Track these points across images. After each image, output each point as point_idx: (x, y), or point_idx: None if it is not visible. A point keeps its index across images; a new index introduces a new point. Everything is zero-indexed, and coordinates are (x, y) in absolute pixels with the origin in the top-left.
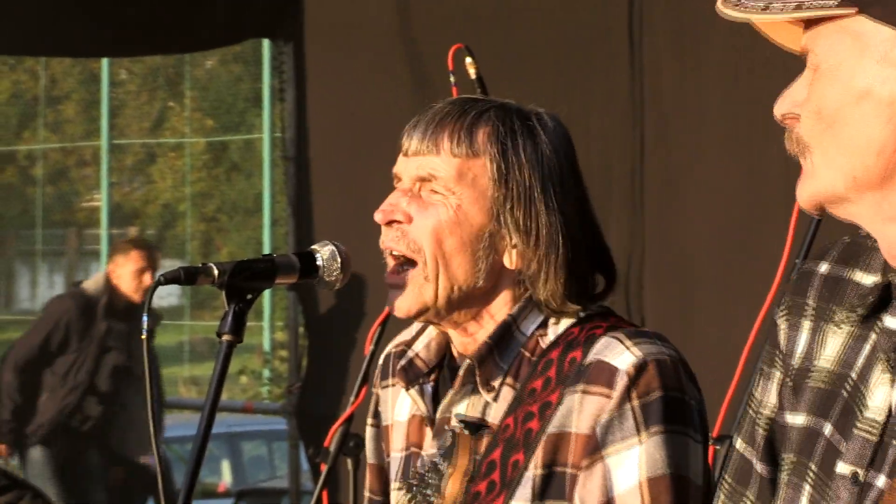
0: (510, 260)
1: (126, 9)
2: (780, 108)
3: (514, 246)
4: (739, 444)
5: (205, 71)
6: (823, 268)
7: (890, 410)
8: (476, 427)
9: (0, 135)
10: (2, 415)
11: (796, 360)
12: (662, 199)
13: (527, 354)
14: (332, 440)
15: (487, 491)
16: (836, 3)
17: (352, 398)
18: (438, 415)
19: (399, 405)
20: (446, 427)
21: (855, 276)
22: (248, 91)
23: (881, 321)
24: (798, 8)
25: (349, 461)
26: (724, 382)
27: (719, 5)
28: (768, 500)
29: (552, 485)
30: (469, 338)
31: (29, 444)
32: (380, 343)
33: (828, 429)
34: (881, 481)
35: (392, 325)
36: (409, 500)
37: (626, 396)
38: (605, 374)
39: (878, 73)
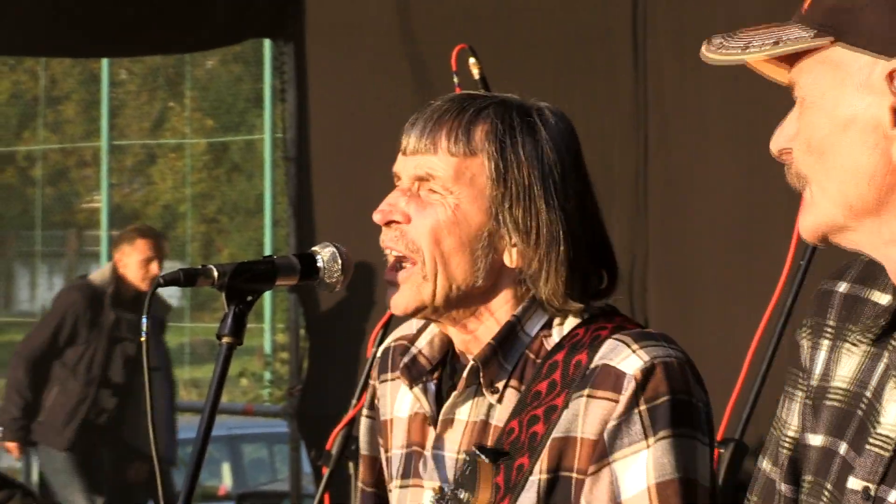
0: (510, 259)
1: (126, 9)
2: (775, 144)
3: (514, 245)
4: (765, 464)
5: (205, 71)
6: (842, 287)
7: None
8: (496, 455)
9: (0, 135)
10: (12, 412)
11: (815, 380)
12: (665, 199)
13: (531, 356)
14: (333, 443)
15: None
16: (811, 35)
17: (353, 400)
18: (441, 416)
19: (399, 400)
20: (465, 456)
21: (872, 295)
22: (248, 91)
23: (894, 340)
24: (776, 44)
25: (351, 464)
26: (728, 384)
27: (703, 52)
28: None
29: (557, 490)
30: (469, 335)
31: (42, 441)
32: (381, 345)
33: (843, 448)
34: (893, 496)
35: (394, 328)
36: None
37: (633, 401)
38: (611, 378)
39: (859, 101)
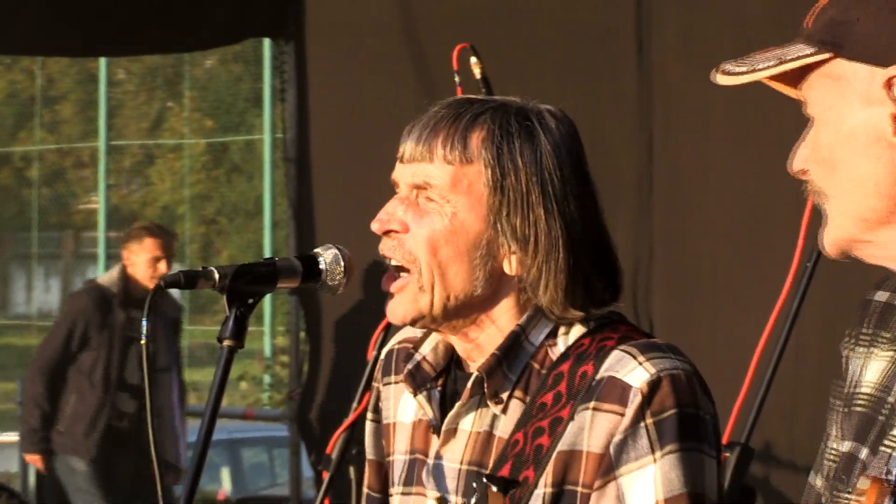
0: (510, 266)
1: (125, 8)
2: (793, 164)
3: (513, 252)
4: (814, 479)
5: (204, 71)
6: (881, 296)
7: None
8: (507, 484)
9: None
10: (32, 424)
11: (849, 387)
12: (670, 201)
13: (536, 366)
14: (334, 447)
15: None
16: (812, 51)
17: (354, 404)
18: (445, 426)
19: (403, 405)
20: (475, 485)
21: None
22: (248, 91)
23: None
24: (780, 62)
25: (352, 468)
26: (734, 387)
27: (713, 76)
28: None
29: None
30: (471, 343)
31: (62, 451)
32: (382, 348)
33: (864, 453)
34: None
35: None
36: None
37: (640, 415)
38: (617, 391)
39: (861, 112)
